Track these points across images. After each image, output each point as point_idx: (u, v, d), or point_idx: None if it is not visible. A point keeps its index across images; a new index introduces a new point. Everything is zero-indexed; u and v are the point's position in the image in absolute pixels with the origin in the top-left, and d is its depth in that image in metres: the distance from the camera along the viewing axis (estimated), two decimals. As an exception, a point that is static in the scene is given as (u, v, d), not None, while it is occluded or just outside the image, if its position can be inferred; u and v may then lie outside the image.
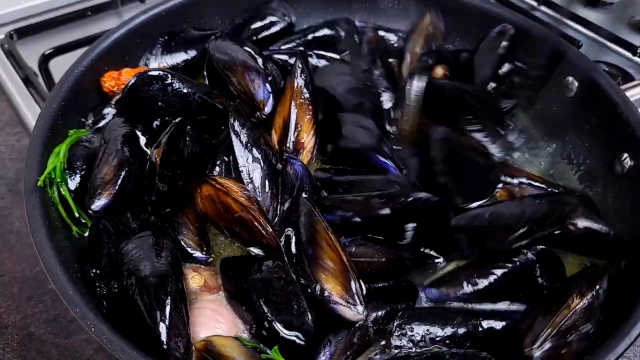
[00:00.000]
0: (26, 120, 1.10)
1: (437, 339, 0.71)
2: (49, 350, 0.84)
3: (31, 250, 0.72)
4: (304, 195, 0.82)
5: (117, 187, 0.78)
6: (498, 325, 0.74)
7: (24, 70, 1.15)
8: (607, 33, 1.28)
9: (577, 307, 0.70)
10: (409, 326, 0.72)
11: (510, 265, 0.78)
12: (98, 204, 0.77)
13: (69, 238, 0.79)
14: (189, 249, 0.79)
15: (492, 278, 0.77)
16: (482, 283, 0.77)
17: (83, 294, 0.67)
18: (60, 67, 1.05)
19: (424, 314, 0.74)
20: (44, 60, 1.15)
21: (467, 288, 0.77)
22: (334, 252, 0.71)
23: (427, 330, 0.72)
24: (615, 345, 0.65)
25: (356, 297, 0.68)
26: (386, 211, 0.77)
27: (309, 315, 0.70)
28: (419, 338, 0.71)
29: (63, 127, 0.87)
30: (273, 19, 1.13)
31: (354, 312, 0.68)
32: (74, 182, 0.81)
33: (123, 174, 0.79)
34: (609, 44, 1.28)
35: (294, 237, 0.74)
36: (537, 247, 0.79)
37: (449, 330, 0.72)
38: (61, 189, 0.80)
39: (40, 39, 1.25)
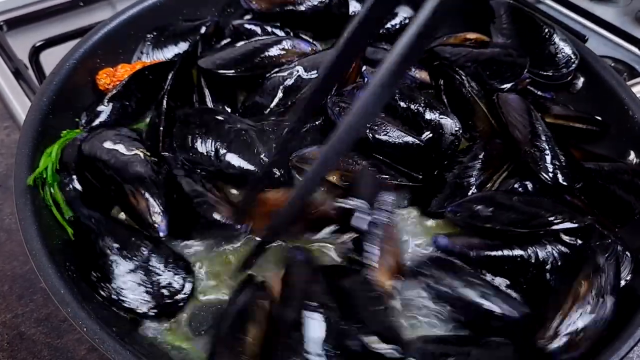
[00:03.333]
0: (16, 114, 1.08)
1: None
2: (40, 351, 0.82)
3: (22, 247, 0.71)
4: None
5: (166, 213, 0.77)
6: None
7: (14, 63, 1.13)
8: (613, 28, 1.27)
9: (586, 292, 0.68)
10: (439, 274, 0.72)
11: (526, 248, 0.77)
12: (161, 229, 0.76)
13: (60, 236, 0.77)
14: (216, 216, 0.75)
15: (503, 252, 0.77)
16: (492, 252, 0.77)
17: (74, 292, 0.66)
18: (51, 59, 1.03)
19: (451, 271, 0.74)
20: (35, 52, 1.13)
21: (476, 250, 0.77)
22: None
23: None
24: (618, 347, 0.64)
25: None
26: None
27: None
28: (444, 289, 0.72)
29: (55, 122, 0.85)
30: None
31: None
32: (71, 186, 0.80)
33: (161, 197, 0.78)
34: (615, 38, 1.26)
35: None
36: (561, 247, 0.77)
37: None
38: (53, 191, 0.78)
39: (31, 31, 1.23)
